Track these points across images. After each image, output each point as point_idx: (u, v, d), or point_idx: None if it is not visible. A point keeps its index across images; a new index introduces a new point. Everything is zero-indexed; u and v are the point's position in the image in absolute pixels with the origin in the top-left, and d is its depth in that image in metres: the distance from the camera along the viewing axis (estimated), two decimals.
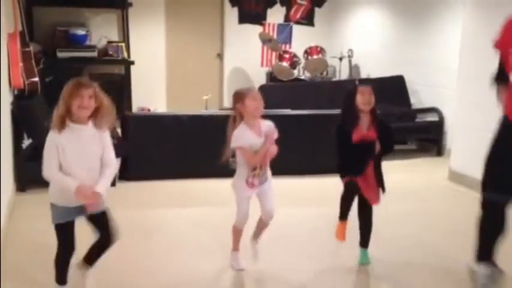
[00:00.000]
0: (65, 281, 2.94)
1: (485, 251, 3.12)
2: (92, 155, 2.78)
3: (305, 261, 3.65)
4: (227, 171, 5.15)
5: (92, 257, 2.96)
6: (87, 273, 3.00)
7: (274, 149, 3.26)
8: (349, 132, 3.26)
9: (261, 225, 3.51)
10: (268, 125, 3.31)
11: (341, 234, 3.59)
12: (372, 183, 3.39)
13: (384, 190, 3.46)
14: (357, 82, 3.38)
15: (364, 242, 3.56)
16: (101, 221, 2.91)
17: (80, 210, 2.82)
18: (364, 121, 3.30)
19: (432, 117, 6.67)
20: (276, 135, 3.29)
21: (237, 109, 3.26)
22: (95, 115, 2.74)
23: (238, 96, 3.27)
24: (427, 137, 6.82)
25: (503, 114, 3.13)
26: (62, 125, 2.71)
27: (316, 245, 3.93)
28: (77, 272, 2.98)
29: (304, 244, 3.95)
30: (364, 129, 3.29)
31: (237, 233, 3.47)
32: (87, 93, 2.68)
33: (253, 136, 3.24)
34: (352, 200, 3.49)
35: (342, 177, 3.43)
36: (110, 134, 2.87)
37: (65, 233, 2.87)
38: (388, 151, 3.44)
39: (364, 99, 3.26)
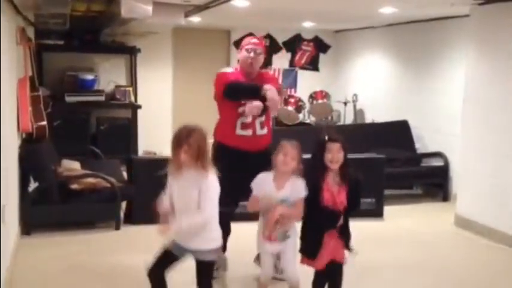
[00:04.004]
0: None
1: None
2: (189, 199, 2.85)
3: None
4: (233, 216, 5.09)
5: None
6: None
7: (288, 214, 3.14)
8: (317, 193, 3.06)
9: None
10: (295, 185, 3.16)
11: None
12: (335, 244, 3.14)
13: (349, 249, 3.20)
14: (325, 136, 3.11)
15: None
16: (199, 269, 2.96)
17: (188, 251, 2.92)
18: (332, 178, 3.10)
19: (437, 162, 6.67)
20: (292, 210, 3.15)
21: (273, 159, 3.20)
22: (195, 162, 2.83)
23: (278, 148, 3.23)
24: (432, 182, 6.79)
25: None
26: (172, 169, 2.90)
27: None
28: None
29: None
30: (334, 187, 3.08)
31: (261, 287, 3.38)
32: (181, 151, 2.82)
33: (272, 187, 3.16)
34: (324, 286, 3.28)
35: (309, 256, 3.19)
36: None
37: (159, 256, 2.97)
38: (354, 209, 3.19)
39: (332, 157, 3.06)
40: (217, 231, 2.99)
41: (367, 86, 8.31)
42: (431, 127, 6.91)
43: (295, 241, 3.27)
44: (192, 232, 2.86)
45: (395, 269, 4.26)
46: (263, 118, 3.84)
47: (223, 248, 3.96)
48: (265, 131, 3.85)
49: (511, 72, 4.88)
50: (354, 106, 8.13)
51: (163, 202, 2.97)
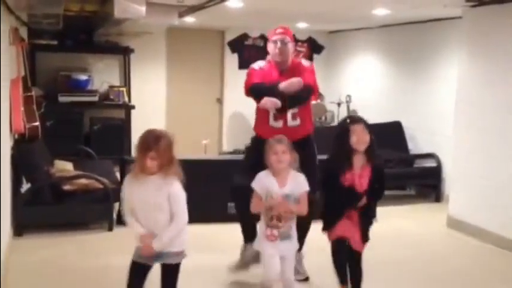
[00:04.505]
0: None
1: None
2: (154, 206, 2.80)
3: None
4: (224, 217, 5.14)
5: None
6: None
7: (293, 209, 3.14)
8: (339, 175, 3.10)
9: None
10: (296, 181, 3.17)
11: None
12: (356, 229, 3.22)
13: (366, 239, 3.26)
14: (347, 120, 3.18)
15: None
16: (165, 273, 2.93)
17: (156, 256, 2.86)
18: (358, 161, 3.12)
19: (430, 163, 6.69)
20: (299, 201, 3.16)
21: (266, 159, 3.20)
22: (161, 168, 2.79)
23: (266, 147, 3.22)
24: (425, 182, 6.82)
25: None
26: (134, 173, 2.83)
27: None
28: None
29: None
30: (358, 170, 3.12)
31: None
32: (149, 155, 2.75)
33: (274, 184, 3.15)
34: (344, 260, 3.30)
35: (325, 229, 3.26)
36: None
37: (131, 273, 2.91)
38: (378, 198, 3.28)
39: (357, 139, 3.09)
40: (186, 235, 2.97)
41: (360, 87, 8.33)
42: (424, 128, 6.94)
43: (296, 246, 3.27)
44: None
45: (387, 269, 4.28)
46: (295, 109, 3.85)
47: (252, 236, 3.87)
48: (297, 122, 3.86)
49: (503, 73, 4.91)
50: (348, 107, 8.14)
51: (127, 210, 2.90)
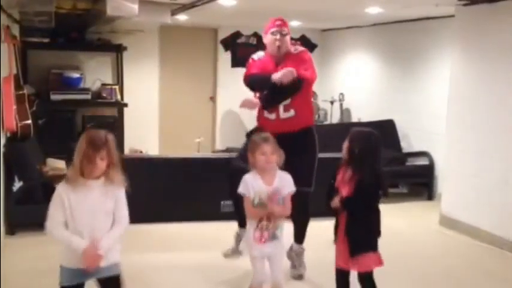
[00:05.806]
0: None
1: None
2: (101, 212, 2.61)
3: None
4: (218, 215, 5.15)
5: None
6: None
7: (279, 211, 3.06)
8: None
9: None
10: (283, 179, 3.12)
11: None
12: (343, 247, 3.14)
13: (352, 253, 3.13)
14: None
15: None
16: (109, 286, 2.73)
17: (91, 273, 2.64)
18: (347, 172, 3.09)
19: (423, 162, 6.72)
20: (284, 195, 3.11)
21: (250, 158, 3.12)
22: (107, 170, 2.61)
23: (251, 147, 3.13)
24: (418, 181, 6.84)
25: None
26: (73, 180, 2.59)
27: None
28: None
29: None
30: (344, 181, 3.06)
31: None
32: (99, 155, 2.56)
33: (261, 184, 3.07)
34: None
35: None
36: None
37: None
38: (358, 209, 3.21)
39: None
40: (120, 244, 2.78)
41: (353, 85, 8.34)
42: (416, 126, 6.96)
43: (283, 246, 3.23)
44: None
45: (380, 267, 4.29)
46: (287, 101, 3.82)
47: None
48: (291, 113, 3.85)
49: (495, 72, 4.93)
50: (341, 105, 8.15)
51: (57, 223, 2.62)
